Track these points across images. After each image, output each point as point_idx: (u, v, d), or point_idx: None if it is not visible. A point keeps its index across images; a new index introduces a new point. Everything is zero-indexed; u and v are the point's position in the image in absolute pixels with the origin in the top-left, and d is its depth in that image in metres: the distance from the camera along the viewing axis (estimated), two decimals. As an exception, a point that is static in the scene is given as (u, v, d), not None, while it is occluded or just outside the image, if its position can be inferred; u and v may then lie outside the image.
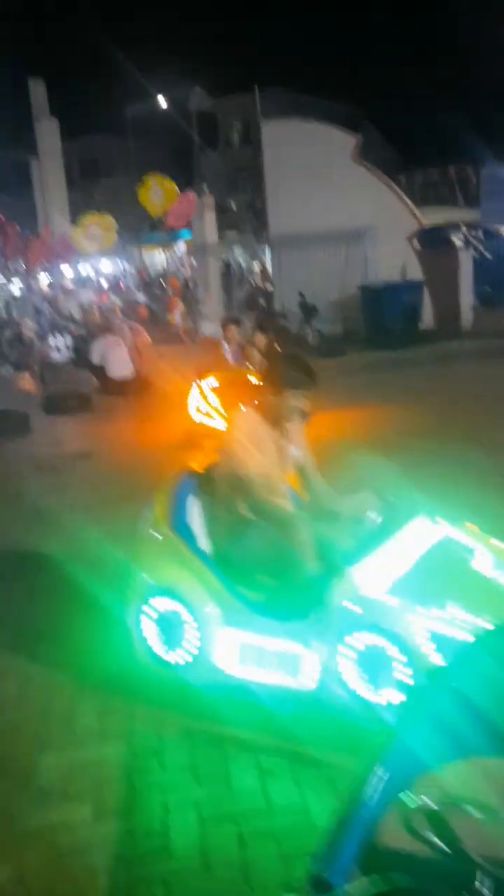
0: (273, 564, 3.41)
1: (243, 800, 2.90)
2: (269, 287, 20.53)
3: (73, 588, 4.62)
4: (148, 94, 27.32)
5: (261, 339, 8.77)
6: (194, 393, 8.28)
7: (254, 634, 3.34)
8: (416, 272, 17.93)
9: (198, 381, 8.28)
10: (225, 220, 23.78)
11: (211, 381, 8.22)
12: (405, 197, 18.82)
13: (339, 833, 1.47)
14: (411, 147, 23.21)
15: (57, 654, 4.07)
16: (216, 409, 7.90)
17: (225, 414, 7.64)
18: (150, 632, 3.60)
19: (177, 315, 19.72)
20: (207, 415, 8.04)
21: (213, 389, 8.14)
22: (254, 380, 7.61)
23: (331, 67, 49.10)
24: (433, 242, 18.27)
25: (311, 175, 17.80)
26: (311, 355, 12.96)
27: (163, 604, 3.56)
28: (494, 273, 18.73)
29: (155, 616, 3.58)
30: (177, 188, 20.05)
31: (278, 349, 8.76)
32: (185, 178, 26.52)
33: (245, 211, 26.35)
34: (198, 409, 8.16)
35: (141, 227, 31.73)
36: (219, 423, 7.68)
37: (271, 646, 3.30)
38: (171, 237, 29.50)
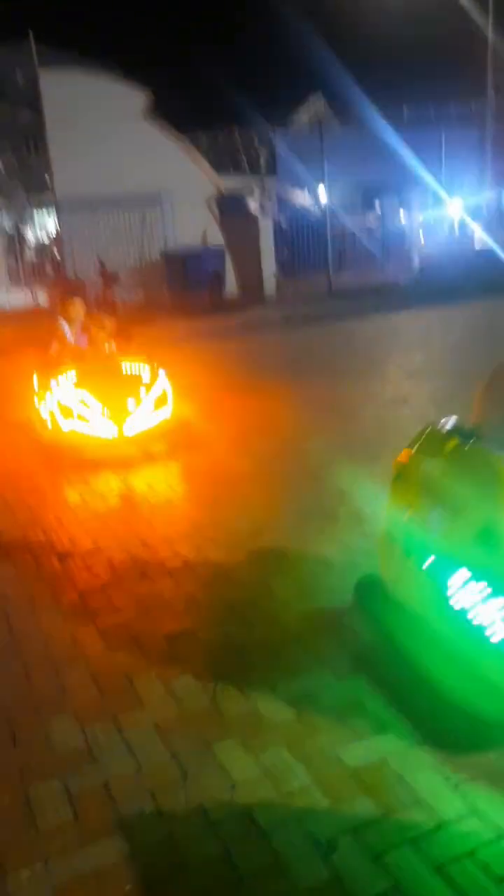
0: None
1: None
2: (58, 254, 19.12)
3: None
4: None
5: (109, 319, 6.90)
6: (56, 393, 6.09)
7: None
8: (217, 239, 17.47)
9: (54, 377, 6.20)
10: None
11: (72, 377, 6.20)
12: (203, 160, 18.23)
13: None
14: (207, 110, 22.66)
15: None
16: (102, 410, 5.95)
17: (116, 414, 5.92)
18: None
19: None
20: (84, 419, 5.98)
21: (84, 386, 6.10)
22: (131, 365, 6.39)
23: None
24: (233, 208, 17.89)
25: (99, 133, 16.63)
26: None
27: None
28: (293, 240, 18.78)
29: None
30: None
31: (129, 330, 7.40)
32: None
33: (19, 171, 24.30)
34: (67, 415, 5.98)
35: None
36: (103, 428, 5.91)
37: None
38: None
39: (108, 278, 16.03)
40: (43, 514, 5.08)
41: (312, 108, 24.84)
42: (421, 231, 19.74)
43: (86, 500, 5.25)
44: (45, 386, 6.33)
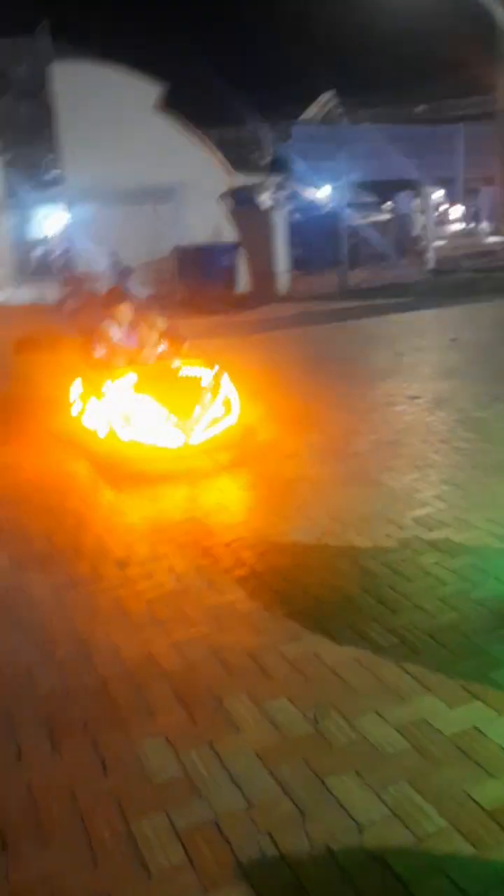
0: None
1: None
2: (69, 246, 18.86)
3: None
4: None
5: (160, 318, 6.57)
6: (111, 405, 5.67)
7: None
8: (230, 234, 17.24)
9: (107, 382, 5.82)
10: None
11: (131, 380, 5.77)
12: (216, 153, 18.00)
13: None
14: (220, 106, 22.35)
15: None
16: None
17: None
18: None
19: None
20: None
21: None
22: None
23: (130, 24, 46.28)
24: (246, 203, 17.65)
25: (111, 124, 16.40)
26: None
27: None
28: (306, 237, 18.55)
29: None
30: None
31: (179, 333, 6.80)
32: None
33: (30, 163, 24.06)
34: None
35: None
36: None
37: None
38: None
39: (123, 273, 15.79)
40: (96, 522, 4.85)
41: (326, 105, 24.62)
42: (435, 228, 19.54)
43: (145, 510, 5.02)
44: (93, 392, 5.97)
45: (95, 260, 16.82)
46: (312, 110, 24.78)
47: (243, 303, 15.84)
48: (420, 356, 9.32)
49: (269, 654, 3.15)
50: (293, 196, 19.28)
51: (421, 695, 2.83)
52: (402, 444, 5.85)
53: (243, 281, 17.11)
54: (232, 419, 5.76)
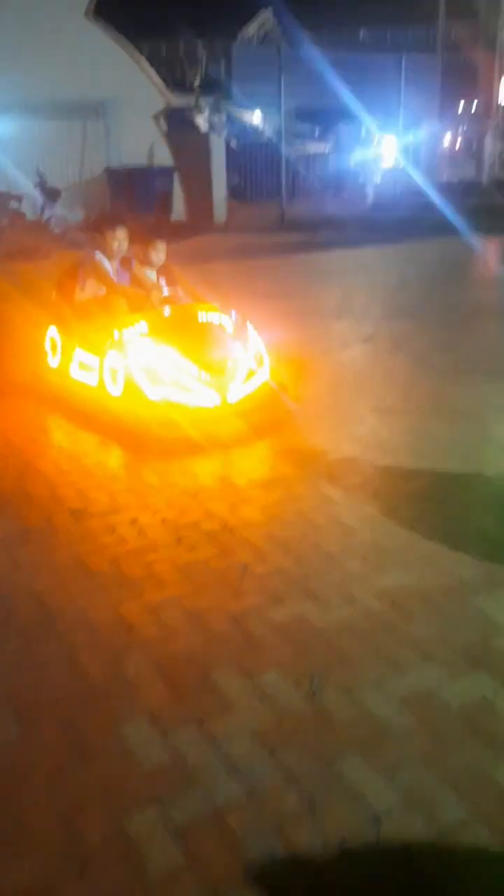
0: None
1: None
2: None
3: None
4: None
5: (160, 246, 5.39)
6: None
7: None
8: (166, 158, 16.41)
9: (118, 330, 4.79)
10: None
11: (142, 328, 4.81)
12: (151, 70, 16.94)
13: None
14: (153, 19, 20.93)
15: None
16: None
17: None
18: None
19: None
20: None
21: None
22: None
23: None
24: (182, 125, 16.76)
25: (36, 31, 15.15)
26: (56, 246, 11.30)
27: None
28: (245, 164, 17.84)
29: None
30: None
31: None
32: None
33: None
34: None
35: None
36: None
37: None
38: None
39: (49, 195, 14.84)
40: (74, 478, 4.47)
41: (264, 24, 23.48)
42: (376, 163, 19.10)
43: (174, 479, 4.65)
44: (81, 340, 5.05)
45: (18, 180, 15.74)
46: (250, 29, 23.66)
47: (179, 231, 15.15)
48: (369, 295, 9.06)
49: (253, 620, 2.91)
50: (231, 120, 18.43)
51: (421, 664, 2.65)
52: (364, 388, 5.62)
53: (179, 208, 16.40)
54: (265, 373, 4.92)
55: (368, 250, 12.61)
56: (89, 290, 5.30)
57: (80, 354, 5.09)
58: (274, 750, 2.30)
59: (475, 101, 27.56)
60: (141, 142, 16.24)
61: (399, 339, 6.94)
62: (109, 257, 5.25)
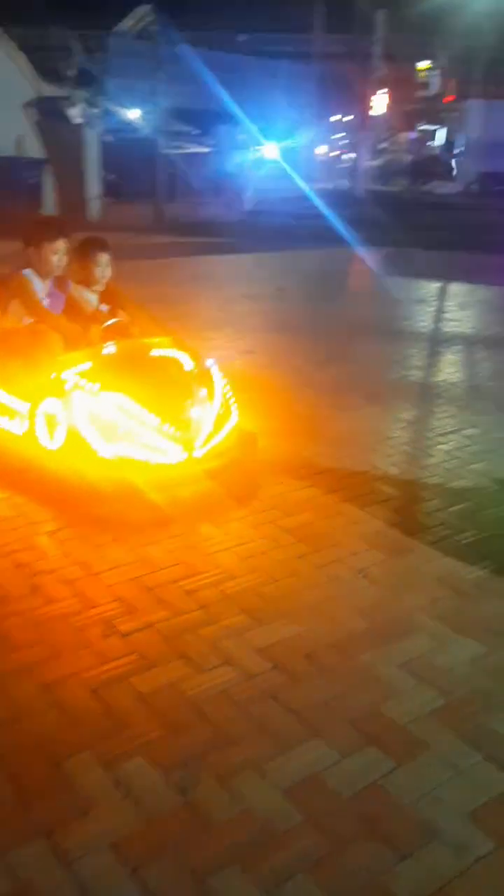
0: None
1: None
2: None
3: None
4: None
5: (104, 259, 4.43)
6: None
7: None
8: (37, 149, 15.64)
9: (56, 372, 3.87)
10: None
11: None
12: (21, 57, 16.10)
13: None
14: (25, 5, 19.86)
15: None
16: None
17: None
18: None
19: None
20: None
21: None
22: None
23: None
24: (54, 116, 16.04)
25: None
26: None
27: None
28: (121, 162, 17.27)
29: None
30: None
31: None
32: None
33: None
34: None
35: None
36: None
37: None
38: None
39: None
40: None
41: (142, 19, 22.89)
42: (255, 167, 19.01)
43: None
44: (18, 381, 4.02)
45: None
46: (127, 23, 23.01)
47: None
48: (249, 305, 8.82)
49: (117, 691, 2.52)
50: (106, 115, 17.83)
51: (307, 740, 2.35)
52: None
53: (50, 202, 15.66)
54: (234, 420, 4.08)
55: (248, 257, 12.41)
56: (12, 315, 4.23)
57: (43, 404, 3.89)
58: (137, 867, 1.92)
59: (351, 113, 28.10)
60: (10, 131, 15.40)
61: (279, 353, 6.72)
62: (42, 275, 4.21)
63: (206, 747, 2.30)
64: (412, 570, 3.32)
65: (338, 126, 32.06)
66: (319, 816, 2.08)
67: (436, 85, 38.87)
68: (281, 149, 19.01)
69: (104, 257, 4.37)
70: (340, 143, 31.85)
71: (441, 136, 37.17)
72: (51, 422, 3.83)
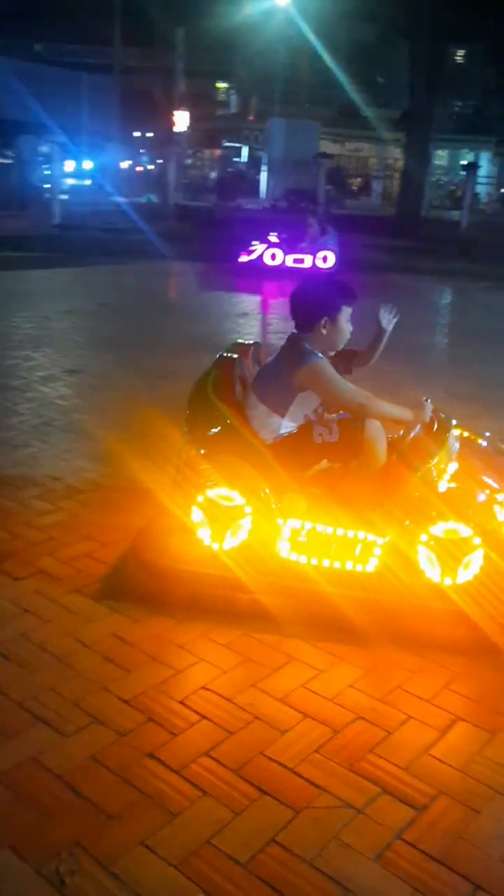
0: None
1: None
2: None
3: None
4: None
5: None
6: None
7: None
8: None
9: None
10: None
11: None
12: None
13: None
14: None
15: None
16: None
17: None
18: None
19: None
20: None
21: None
22: None
23: None
24: None
25: None
26: None
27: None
28: None
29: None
30: None
31: None
32: None
33: None
34: None
35: None
36: None
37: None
38: None
39: None
40: None
41: None
42: (62, 180, 18.41)
43: None
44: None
45: None
46: None
47: None
48: (70, 321, 8.41)
49: (-31, 774, 2.17)
50: None
51: (198, 800, 2.12)
52: (75, 430, 5.00)
53: None
54: None
55: (64, 272, 11.92)
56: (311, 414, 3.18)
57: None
58: None
59: (154, 129, 28.13)
60: None
61: (106, 372, 6.41)
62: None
63: (85, 832, 2.01)
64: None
65: (142, 141, 31.99)
66: (219, 891, 1.87)
67: (235, 104, 39.88)
68: (87, 162, 18.55)
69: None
70: (144, 157, 31.74)
71: (245, 153, 38.13)
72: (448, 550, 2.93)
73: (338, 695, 2.59)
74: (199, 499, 3.05)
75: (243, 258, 12.09)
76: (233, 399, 3.22)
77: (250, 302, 10.55)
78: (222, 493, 3.02)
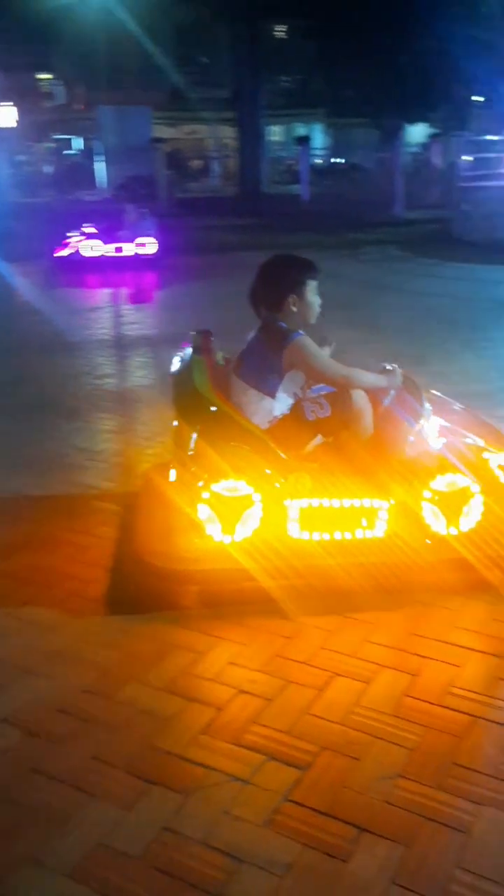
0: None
1: None
2: None
3: None
4: None
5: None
6: None
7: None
8: None
9: None
10: None
11: None
12: None
13: None
14: None
15: None
16: None
17: None
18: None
19: None
20: None
21: None
22: None
23: None
24: None
25: None
26: None
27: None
28: None
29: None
30: None
31: None
32: None
33: None
34: None
35: None
36: None
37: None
38: None
39: None
40: None
41: None
42: None
43: None
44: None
45: None
46: None
47: None
48: None
49: None
50: None
51: (83, 807, 2.09)
52: None
53: None
54: None
55: None
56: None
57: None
58: None
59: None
60: None
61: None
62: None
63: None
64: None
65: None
66: (115, 890, 1.86)
67: (61, 95, 38.77)
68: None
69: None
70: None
71: (78, 144, 37.22)
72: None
73: (219, 674, 2.61)
74: (205, 495, 3.00)
75: (59, 253, 11.80)
76: (217, 390, 3.22)
77: (101, 295, 10.37)
78: (228, 485, 3.00)
